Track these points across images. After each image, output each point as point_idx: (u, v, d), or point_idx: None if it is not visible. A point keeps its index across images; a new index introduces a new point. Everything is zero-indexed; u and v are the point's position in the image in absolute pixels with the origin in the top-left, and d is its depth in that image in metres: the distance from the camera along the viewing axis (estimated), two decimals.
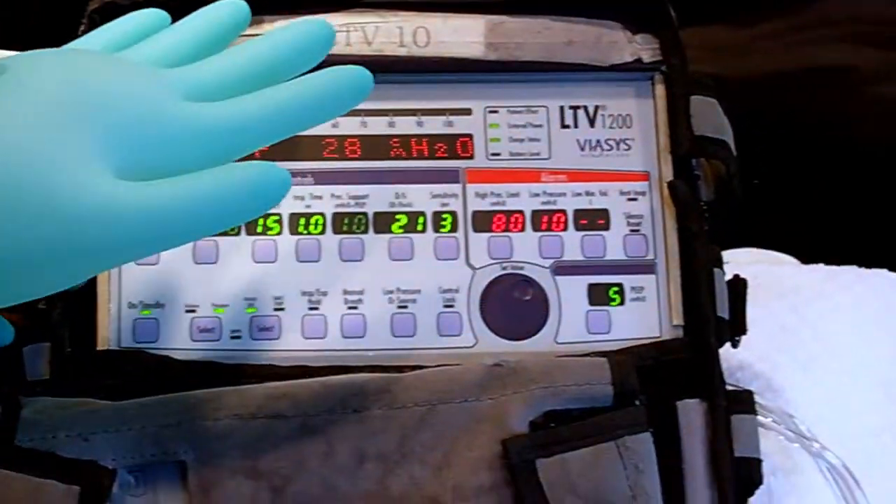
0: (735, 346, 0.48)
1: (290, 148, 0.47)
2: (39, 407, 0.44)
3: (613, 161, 0.50)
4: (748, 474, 0.46)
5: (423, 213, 0.49)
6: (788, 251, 0.64)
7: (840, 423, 0.54)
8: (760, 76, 0.70)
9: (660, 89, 0.50)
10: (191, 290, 0.47)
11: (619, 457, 0.44)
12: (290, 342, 0.47)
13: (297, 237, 0.48)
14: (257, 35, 0.40)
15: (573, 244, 0.49)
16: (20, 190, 0.32)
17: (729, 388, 0.47)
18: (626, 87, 0.51)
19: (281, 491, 0.43)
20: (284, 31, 0.40)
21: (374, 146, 0.49)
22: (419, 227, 0.49)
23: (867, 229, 0.68)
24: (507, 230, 0.49)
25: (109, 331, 0.47)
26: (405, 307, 0.48)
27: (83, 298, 0.46)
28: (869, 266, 0.61)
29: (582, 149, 0.50)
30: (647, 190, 0.50)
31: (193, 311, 0.47)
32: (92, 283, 0.47)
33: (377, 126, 0.49)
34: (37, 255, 0.33)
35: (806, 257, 0.63)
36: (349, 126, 0.49)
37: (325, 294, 0.48)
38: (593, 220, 0.49)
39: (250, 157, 0.37)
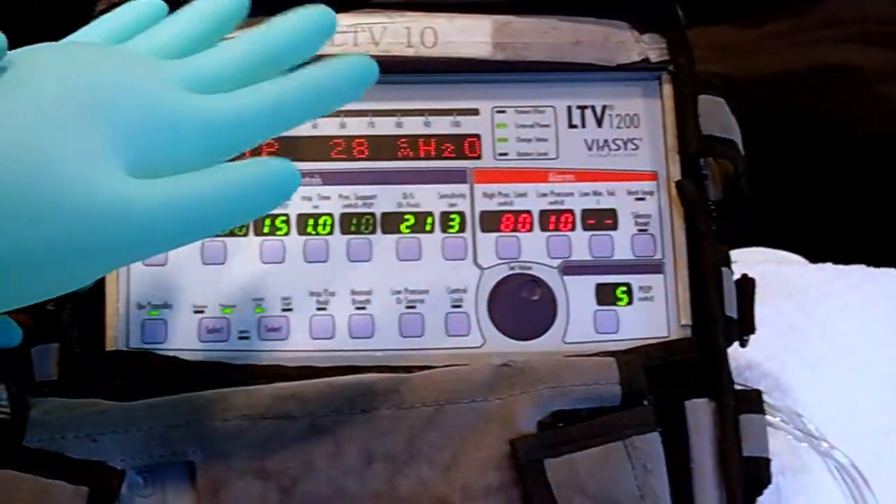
0: (743, 345, 0.48)
1: (297, 148, 0.48)
2: (48, 407, 0.44)
3: (621, 161, 0.50)
4: (757, 474, 0.46)
5: (430, 214, 0.49)
6: (796, 250, 0.64)
7: (848, 422, 0.54)
8: (767, 76, 0.70)
9: (667, 89, 0.50)
10: (199, 291, 0.47)
11: (627, 456, 0.44)
12: (299, 342, 0.47)
13: (304, 237, 0.48)
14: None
15: (581, 244, 0.49)
16: (24, 189, 0.32)
17: (737, 387, 0.47)
18: (633, 86, 0.51)
19: (289, 491, 0.43)
20: (284, 19, 0.39)
21: (382, 146, 0.49)
22: (427, 228, 0.49)
23: (875, 228, 0.68)
24: (514, 230, 0.49)
25: (118, 331, 0.47)
26: (413, 307, 0.48)
27: (92, 299, 0.46)
28: (877, 265, 0.61)
29: (589, 148, 0.50)
30: (655, 189, 0.50)
31: (201, 311, 0.47)
32: (100, 283, 0.47)
33: (385, 126, 0.49)
34: (39, 254, 0.32)
35: (814, 256, 0.63)
36: (357, 126, 0.49)
37: (333, 294, 0.48)
38: (601, 219, 0.49)
39: (255, 154, 0.37)
